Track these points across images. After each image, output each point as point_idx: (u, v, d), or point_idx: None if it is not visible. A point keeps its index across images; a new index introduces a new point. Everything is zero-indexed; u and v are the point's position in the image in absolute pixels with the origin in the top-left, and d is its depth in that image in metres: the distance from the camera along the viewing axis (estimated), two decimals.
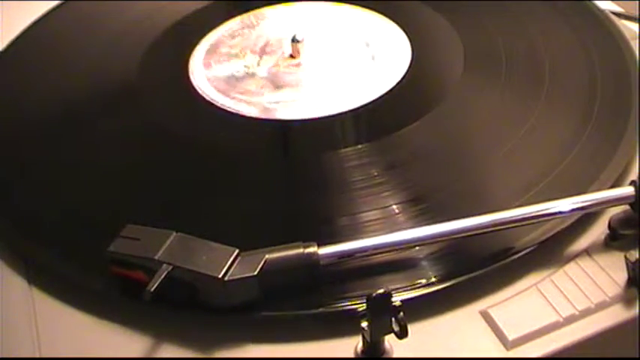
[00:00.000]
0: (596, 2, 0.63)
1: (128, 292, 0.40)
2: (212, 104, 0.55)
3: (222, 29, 0.63)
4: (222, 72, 0.58)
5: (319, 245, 0.40)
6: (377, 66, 0.57)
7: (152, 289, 0.37)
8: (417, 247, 0.42)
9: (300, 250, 0.39)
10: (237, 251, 0.39)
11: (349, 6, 0.65)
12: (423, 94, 0.55)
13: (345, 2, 0.65)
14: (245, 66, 0.59)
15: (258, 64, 0.59)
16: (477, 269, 0.41)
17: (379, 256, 0.41)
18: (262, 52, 0.61)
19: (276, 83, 0.57)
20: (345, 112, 0.53)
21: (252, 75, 0.58)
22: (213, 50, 0.61)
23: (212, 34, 0.63)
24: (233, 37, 0.63)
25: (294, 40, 0.59)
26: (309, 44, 0.60)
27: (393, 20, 0.62)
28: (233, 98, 0.55)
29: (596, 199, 0.42)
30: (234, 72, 0.58)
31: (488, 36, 0.59)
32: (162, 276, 0.38)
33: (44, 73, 0.60)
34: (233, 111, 0.54)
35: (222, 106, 0.54)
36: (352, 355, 0.38)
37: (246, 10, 0.66)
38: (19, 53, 0.64)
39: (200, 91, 0.56)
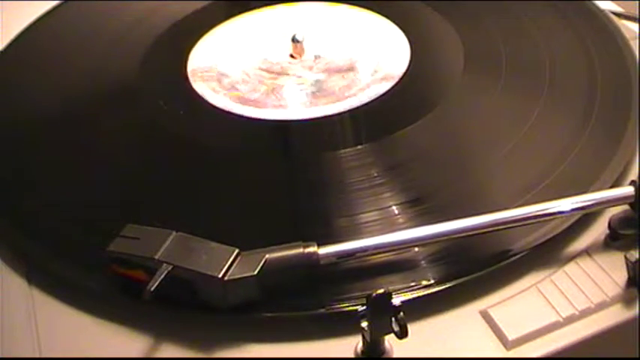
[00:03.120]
0: (596, 2, 0.63)
1: (128, 292, 0.40)
2: (212, 104, 0.55)
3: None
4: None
5: (319, 245, 0.40)
6: (376, 66, 0.57)
7: (152, 289, 0.37)
8: (417, 248, 0.42)
9: (300, 250, 0.39)
10: (237, 251, 0.39)
11: (348, 6, 0.65)
12: (422, 94, 0.55)
13: (345, 2, 0.65)
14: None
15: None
16: (477, 270, 0.41)
17: (379, 256, 0.41)
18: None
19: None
20: (345, 112, 0.53)
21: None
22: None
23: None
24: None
25: (294, 40, 0.59)
26: (309, 44, 0.60)
27: (393, 20, 0.62)
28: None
29: (596, 199, 0.42)
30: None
31: (489, 36, 0.59)
32: (162, 275, 0.38)
33: (44, 73, 0.60)
34: (233, 111, 0.54)
35: (222, 107, 0.54)
36: (352, 355, 0.38)
37: (248, 10, 0.66)
38: (19, 53, 0.64)
39: (199, 91, 0.56)
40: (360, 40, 0.61)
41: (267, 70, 0.58)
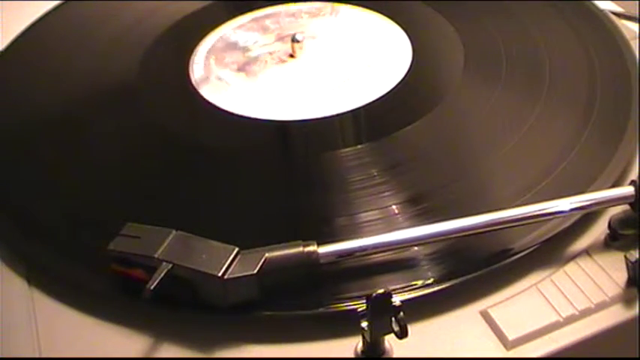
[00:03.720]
0: (596, 2, 0.63)
1: (128, 292, 0.40)
2: (212, 104, 0.55)
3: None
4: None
5: (319, 244, 0.40)
6: (377, 66, 0.57)
7: (152, 287, 0.37)
8: (417, 247, 0.42)
9: (300, 249, 0.39)
10: (237, 249, 0.39)
11: (349, 6, 0.65)
12: (423, 94, 0.55)
13: (345, 2, 0.65)
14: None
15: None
16: (477, 269, 0.41)
17: (379, 256, 0.41)
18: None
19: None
20: (345, 112, 0.53)
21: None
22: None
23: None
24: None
25: (294, 40, 0.59)
26: (309, 44, 0.60)
27: (393, 20, 0.62)
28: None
29: (596, 199, 0.42)
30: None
31: (489, 36, 0.59)
32: (162, 274, 0.38)
33: (44, 73, 0.60)
34: (233, 111, 0.54)
35: (222, 106, 0.54)
36: (352, 355, 0.38)
37: (248, 11, 0.66)
38: (19, 53, 0.64)
39: (200, 91, 0.56)
40: (361, 40, 0.61)
41: (268, 70, 0.58)
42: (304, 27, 0.63)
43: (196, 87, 0.57)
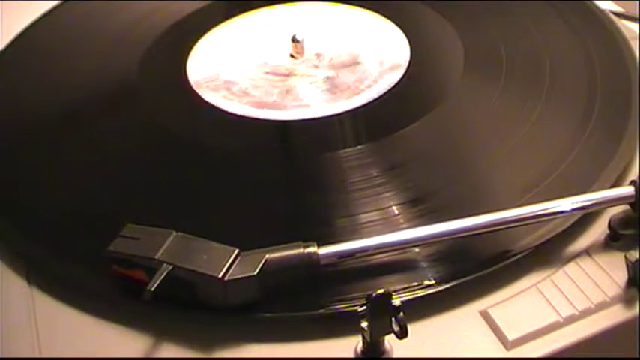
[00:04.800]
0: (596, 2, 0.63)
1: (128, 292, 0.40)
2: (212, 104, 0.55)
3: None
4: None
5: (319, 245, 0.40)
6: (376, 66, 0.57)
7: (152, 289, 0.37)
8: (417, 248, 0.42)
9: (300, 250, 0.39)
10: (237, 251, 0.39)
11: (348, 6, 0.65)
12: (422, 94, 0.55)
13: (344, 2, 0.65)
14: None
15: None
16: (477, 270, 0.41)
17: (379, 256, 0.41)
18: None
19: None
20: (345, 113, 0.53)
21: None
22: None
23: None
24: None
25: (294, 40, 0.59)
26: (309, 44, 0.60)
27: (392, 20, 0.62)
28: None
29: (596, 199, 0.42)
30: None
31: (488, 36, 0.59)
32: (162, 275, 0.38)
33: (44, 73, 0.61)
34: (233, 111, 0.54)
35: (221, 106, 0.54)
36: (352, 355, 0.38)
37: (248, 10, 0.66)
38: (19, 53, 0.64)
39: (199, 91, 0.56)
40: (360, 40, 0.61)
41: (274, 73, 0.58)
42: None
43: (196, 87, 0.57)
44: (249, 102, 0.55)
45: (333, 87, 0.55)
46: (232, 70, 0.59)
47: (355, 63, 0.58)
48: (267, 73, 0.58)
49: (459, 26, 0.60)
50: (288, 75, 0.58)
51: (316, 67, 0.58)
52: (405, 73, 0.56)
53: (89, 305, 0.41)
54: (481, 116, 0.52)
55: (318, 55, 0.59)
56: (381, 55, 0.58)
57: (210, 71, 0.59)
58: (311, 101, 0.54)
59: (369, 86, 0.54)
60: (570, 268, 0.41)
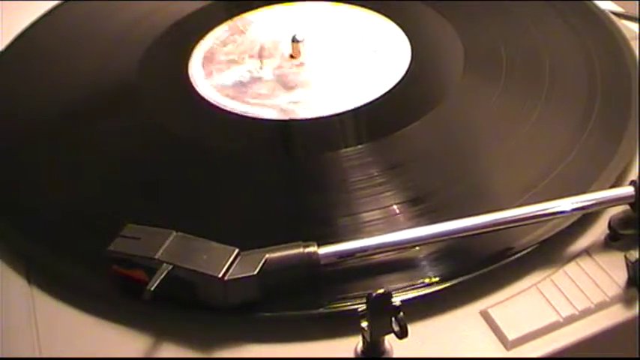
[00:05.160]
0: (596, 2, 0.63)
1: (128, 292, 0.40)
2: (211, 104, 0.55)
3: (212, 35, 0.63)
4: (221, 72, 0.59)
5: (319, 245, 0.40)
6: (377, 66, 0.57)
7: (152, 289, 0.37)
8: (417, 247, 0.42)
9: (300, 250, 0.39)
10: (237, 250, 0.39)
11: (348, 6, 0.65)
12: (423, 94, 0.55)
13: (345, 2, 0.65)
14: (249, 70, 0.59)
15: (261, 68, 0.59)
16: (477, 269, 0.41)
17: (379, 256, 0.41)
18: (261, 54, 0.61)
19: (275, 82, 0.57)
20: (346, 112, 0.53)
21: (254, 75, 0.58)
22: (210, 57, 0.61)
23: (206, 40, 0.63)
24: (225, 44, 0.62)
25: (294, 40, 0.59)
26: (309, 44, 0.60)
27: (393, 20, 0.62)
28: (233, 98, 0.55)
29: (596, 199, 0.42)
30: (237, 77, 0.58)
31: (489, 36, 0.59)
32: (162, 275, 0.38)
33: (44, 73, 0.61)
34: (232, 111, 0.54)
35: (221, 106, 0.54)
36: (352, 355, 0.38)
37: (241, 13, 0.66)
38: (19, 53, 0.64)
39: (200, 91, 0.56)
40: (361, 40, 0.61)
41: (267, 71, 0.58)
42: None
43: (195, 86, 0.57)
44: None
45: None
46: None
47: (352, 67, 0.58)
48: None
49: (459, 26, 0.60)
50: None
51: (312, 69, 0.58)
52: (406, 73, 0.56)
53: (89, 305, 0.41)
54: (481, 116, 0.52)
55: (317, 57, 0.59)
56: (381, 55, 0.58)
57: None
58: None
59: (356, 94, 0.54)
60: (570, 268, 0.41)
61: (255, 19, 0.65)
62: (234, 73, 0.59)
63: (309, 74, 0.58)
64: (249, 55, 0.60)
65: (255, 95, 0.55)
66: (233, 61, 0.60)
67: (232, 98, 0.55)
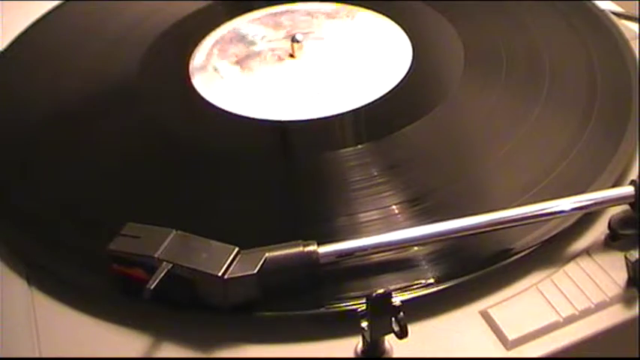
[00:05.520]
0: (596, 2, 0.63)
1: (128, 292, 0.40)
2: (212, 104, 0.55)
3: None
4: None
5: (319, 244, 0.40)
6: (377, 66, 0.57)
7: (152, 287, 0.37)
8: (417, 247, 0.42)
9: (300, 249, 0.39)
10: (237, 249, 0.39)
11: (349, 6, 0.65)
12: (423, 94, 0.55)
13: (345, 2, 0.65)
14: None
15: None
16: (477, 269, 0.41)
17: (379, 255, 0.41)
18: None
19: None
20: (345, 112, 0.53)
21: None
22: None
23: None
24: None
25: (294, 40, 0.59)
26: (309, 44, 0.60)
27: (394, 20, 0.62)
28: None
29: (596, 199, 0.42)
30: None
31: (489, 36, 0.59)
32: (162, 274, 0.38)
33: (44, 73, 0.61)
34: (233, 111, 0.54)
35: (222, 107, 0.54)
36: (352, 355, 0.38)
37: (246, 11, 0.66)
38: (19, 53, 0.64)
39: (200, 92, 0.56)
40: (361, 40, 0.61)
41: (267, 70, 0.58)
42: (316, 27, 0.62)
43: (196, 87, 0.57)
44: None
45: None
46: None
47: (352, 68, 0.58)
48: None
49: (459, 26, 0.60)
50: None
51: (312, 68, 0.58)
52: (406, 73, 0.56)
53: (89, 305, 0.41)
54: (481, 116, 0.52)
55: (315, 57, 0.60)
56: (382, 55, 0.58)
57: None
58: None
59: (356, 94, 0.54)
60: (570, 268, 0.41)
61: (255, 19, 0.65)
62: (233, 69, 0.59)
63: (308, 74, 0.58)
64: (251, 53, 0.61)
65: (250, 93, 0.56)
66: (234, 59, 0.60)
67: (219, 91, 0.56)
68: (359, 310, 0.36)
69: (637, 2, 0.63)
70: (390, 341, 0.37)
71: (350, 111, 0.53)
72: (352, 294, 0.40)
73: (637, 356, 0.41)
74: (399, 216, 0.44)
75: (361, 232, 0.43)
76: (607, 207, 0.43)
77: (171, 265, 0.38)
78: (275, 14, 0.65)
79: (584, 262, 0.42)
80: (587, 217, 0.44)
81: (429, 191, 0.46)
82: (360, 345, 0.38)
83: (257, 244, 0.40)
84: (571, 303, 0.39)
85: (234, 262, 0.39)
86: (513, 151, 0.48)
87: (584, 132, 0.49)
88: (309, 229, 0.44)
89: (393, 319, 0.35)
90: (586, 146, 0.48)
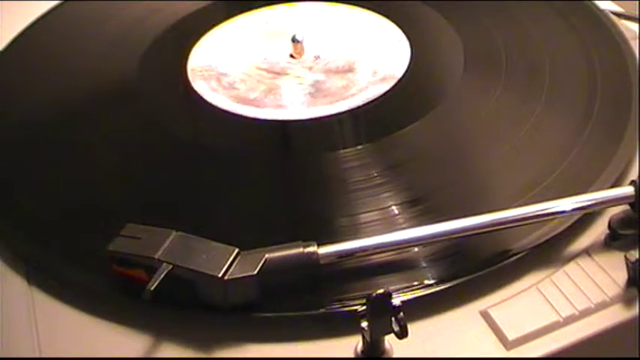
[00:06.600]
0: (596, 2, 0.63)
1: (128, 292, 0.40)
2: (212, 104, 0.55)
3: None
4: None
5: (319, 245, 0.40)
6: (376, 66, 0.57)
7: (152, 288, 0.37)
8: (417, 248, 0.42)
9: (300, 250, 0.39)
10: (237, 250, 0.39)
11: (348, 6, 0.65)
12: (423, 94, 0.55)
13: (344, 2, 0.65)
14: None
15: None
16: (477, 269, 0.41)
17: (379, 256, 0.41)
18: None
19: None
20: (345, 112, 0.53)
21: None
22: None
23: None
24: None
25: (294, 40, 0.59)
26: (309, 44, 0.60)
27: (393, 20, 0.62)
28: (231, 97, 0.55)
29: (596, 199, 0.42)
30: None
31: (489, 36, 0.59)
32: (162, 275, 0.38)
33: (44, 73, 0.61)
34: (233, 111, 0.54)
35: (222, 107, 0.54)
36: (352, 355, 0.38)
37: (248, 10, 0.66)
38: (19, 53, 0.64)
39: (200, 92, 0.56)
40: (360, 40, 0.61)
41: (267, 70, 0.58)
42: (316, 27, 0.62)
43: (196, 86, 0.57)
44: (232, 96, 0.55)
45: (317, 91, 0.55)
46: (230, 63, 0.59)
47: (351, 68, 0.58)
48: (262, 69, 0.58)
49: (459, 26, 0.60)
50: (279, 74, 0.58)
51: (310, 69, 0.58)
52: (406, 73, 0.56)
53: (89, 305, 0.41)
54: (481, 116, 0.52)
55: (316, 57, 0.59)
56: (381, 55, 0.58)
57: (209, 61, 0.59)
58: (289, 103, 0.54)
59: (354, 94, 0.54)
60: (570, 268, 0.41)
61: (255, 19, 0.65)
62: (231, 66, 0.59)
63: (307, 74, 0.57)
64: (250, 52, 0.61)
65: (245, 92, 0.56)
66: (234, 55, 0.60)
67: (222, 94, 0.56)
68: (359, 310, 0.36)
69: (637, 2, 0.63)
70: (390, 341, 0.37)
71: (350, 111, 0.53)
72: (352, 294, 0.40)
73: (637, 356, 0.41)
74: (399, 216, 0.44)
75: (361, 233, 0.43)
76: (607, 207, 0.43)
77: (171, 266, 0.38)
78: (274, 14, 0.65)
79: (584, 262, 0.42)
80: (587, 217, 0.44)
81: (429, 191, 0.46)
82: (360, 345, 0.38)
83: (257, 245, 0.40)
84: (571, 303, 0.39)
85: (234, 263, 0.39)
86: (513, 151, 0.48)
87: (584, 132, 0.49)
88: (309, 230, 0.44)
89: (393, 319, 0.35)
90: (586, 146, 0.48)
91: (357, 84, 0.55)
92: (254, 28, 0.64)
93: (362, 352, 0.38)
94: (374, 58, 0.58)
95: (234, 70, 0.58)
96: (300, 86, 0.56)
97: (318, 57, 0.59)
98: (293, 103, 0.54)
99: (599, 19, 0.61)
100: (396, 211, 0.45)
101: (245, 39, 0.62)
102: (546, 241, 0.42)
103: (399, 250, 0.41)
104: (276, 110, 0.54)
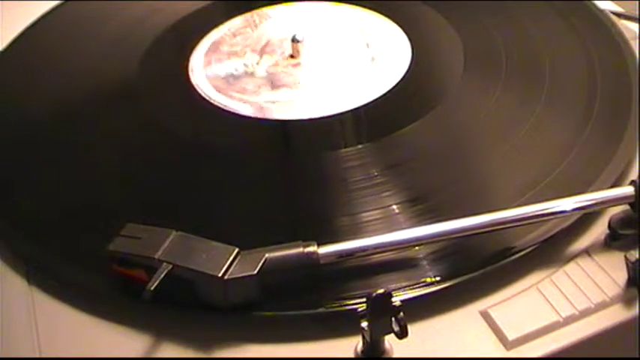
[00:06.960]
0: (596, 2, 0.63)
1: (128, 292, 0.40)
2: (212, 104, 0.55)
3: (224, 27, 0.63)
4: (221, 70, 0.58)
5: (319, 244, 0.40)
6: (377, 66, 0.57)
7: (152, 288, 0.37)
8: (417, 247, 0.42)
9: (300, 250, 0.39)
10: (237, 250, 0.39)
11: (349, 6, 0.65)
12: (423, 94, 0.55)
13: (345, 2, 0.65)
14: (244, 65, 0.59)
15: (258, 64, 0.59)
16: (477, 269, 0.41)
17: (379, 255, 0.41)
18: (262, 51, 0.61)
19: (274, 83, 0.57)
20: (345, 112, 0.53)
21: (252, 74, 0.58)
22: (213, 48, 0.61)
23: (213, 33, 0.63)
24: (235, 35, 0.63)
25: (294, 40, 0.59)
26: (309, 44, 0.60)
27: (393, 20, 0.62)
28: (231, 97, 0.55)
29: (596, 199, 0.42)
30: (233, 71, 0.58)
31: (489, 36, 0.59)
32: (162, 275, 0.38)
33: (44, 73, 0.61)
34: (233, 111, 0.54)
35: (222, 106, 0.54)
36: (352, 355, 0.38)
37: (249, 10, 0.66)
38: (19, 53, 0.64)
39: (200, 91, 0.56)
40: (361, 40, 0.61)
41: (267, 70, 0.58)
42: (316, 27, 0.62)
43: (196, 86, 0.57)
44: (232, 96, 0.55)
45: (317, 91, 0.55)
46: (229, 64, 0.60)
47: (350, 69, 0.57)
48: (261, 69, 0.58)
49: (459, 26, 0.60)
50: (279, 74, 0.58)
51: (310, 69, 0.58)
52: (406, 73, 0.56)
53: (89, 305, 0.41)
54: (481, 116, 0.52)
55: (315, 57, 0.59)
56: (382, 55, 0.58)
57: (210, 62, 0.60)
58: (290, 102, 0.55)
59: (355, 94, 0.54)
60: (570, 268, 0.41)
61: (273, 14, 0.65)
62: (231, 65, 0.59)
63: (303, 74, 0.58)
64: (252, 50, 0.61)
65: (239, 89, 0.56)
66: (234, 53, 0.60)
67: (218, 90, 0.56)
68: (359, 310, 0.36)
69: (637, 2, 0.63)
70: (390, 341, 0.37)
71: (350, 111, 0.53)
72: (352, 294, 0.40)
73: (637, 356, 0.41)
74: (399, 216, 0.44)
75: (361, 232, 0.43)
76: (607, 207, 0.43)
77: (171, 266, 0.38)
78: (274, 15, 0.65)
79: (584, 262, 0.42)
80: (587, 217, 0.44)
81: (429, 191, 0.46)
82: (360, 345, 0.38)
83: (257, 245, 0.40)
84: (571, 303, 0.39)
85: (234, 263, 0.39)
86: (513, 151, 0.48)
87: (584, 132, 0.49)
88: (309, 229, 0.44)
89: (393, 319, 0.35)
90: (586, 146, 0.48)
91: (358, 84, 0.55)
92: (254, 28, 0.64)
93: (362, 352, 0.38)
94: (374, 57, 0.58)
95: (235, 70, 0.58)
96: (300, 86, 0.56)
97: (318, 57, 0.59)
98: (293, 103, 0.54)
99: (599, 19, 0.61)
100: (396, 211, 0.45)
101: (245, 39, 0.62)
102: (546, 241, 0.42)
103: (399, 250, 0.41)
104: (277, 110, 0.53)
